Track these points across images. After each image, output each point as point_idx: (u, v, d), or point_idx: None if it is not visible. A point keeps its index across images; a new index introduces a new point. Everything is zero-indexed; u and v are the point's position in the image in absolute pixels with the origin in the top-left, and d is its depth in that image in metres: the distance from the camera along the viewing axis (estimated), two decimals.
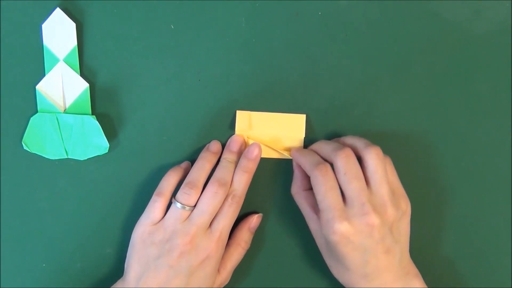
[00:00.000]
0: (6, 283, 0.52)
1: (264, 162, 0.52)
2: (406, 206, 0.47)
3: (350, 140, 0.49)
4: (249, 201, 0.52)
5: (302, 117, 0.52)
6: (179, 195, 0.48)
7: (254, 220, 0.52)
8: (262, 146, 0.52)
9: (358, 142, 0.48)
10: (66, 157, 0.51)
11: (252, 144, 0.51)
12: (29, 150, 0.51)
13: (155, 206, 0.49)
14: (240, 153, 0.51)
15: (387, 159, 0.48)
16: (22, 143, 0.51)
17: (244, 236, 0.51)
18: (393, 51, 0.52)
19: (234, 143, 0.51)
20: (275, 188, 0.52)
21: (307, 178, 0.49)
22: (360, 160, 0.47)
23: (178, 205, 0.48)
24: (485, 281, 0.52)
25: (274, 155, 0.52)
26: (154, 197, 0.49)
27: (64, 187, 0.52)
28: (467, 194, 0.52)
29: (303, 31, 0.52)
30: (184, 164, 0.51)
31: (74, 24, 0.51)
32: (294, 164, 0.51)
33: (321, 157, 0.49)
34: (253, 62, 0.52)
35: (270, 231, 0.53)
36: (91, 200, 0.52)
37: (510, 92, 0.52)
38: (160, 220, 0.48)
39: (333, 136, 0.52)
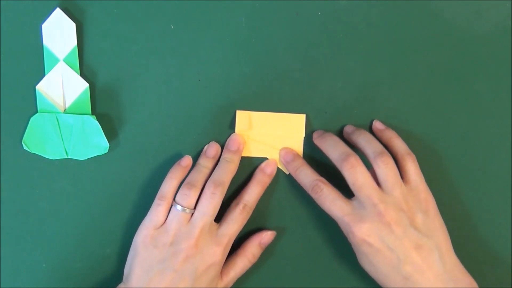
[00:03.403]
0: (6, 283, 0.52)
1: (262, 161, 0.52)
2: (426, 201, 0.47)
3: (362, 142, 0.49)
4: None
5: (302, 117, 0.52)
6: (178, 196, 0.48)
7: (267, 237, 0.51)
8: (262, 146, 0.52)
9: (367, 148, 0.48)
10: (66, 157, 0.51)
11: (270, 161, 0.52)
12: (29, 150, 0.51)
13: (158, 210, 0.48)
14: (239, 152, 0.51)
15: (410, 157, 0.48)
16: (22, 143, 0.51)
17: (254, 249, 0.51)
18: (393, 51, 0.52)
19: (233, 142, 0.51)
20: (275, 188, 0.52)
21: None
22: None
23: (179, 207, 0.48)
24: (485, 281, 0.52)
25: (274, 155, 0.52)
26: (157, 201, 0.49)
27: (64, 187, 0.52)
28: (467, 194, 0.52)
29: (303, 31, 0.52)
30: (185, 162, 0.50)
31: (74, 24, 0.51)
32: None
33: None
34: (253, 62, 0.52)
35: (265, 228, 0.53)
36: (91, 200, 0.52)
37: (510, 92, 0.52)
38: (163, 223, 0.48)
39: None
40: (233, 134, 0.52)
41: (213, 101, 0.52)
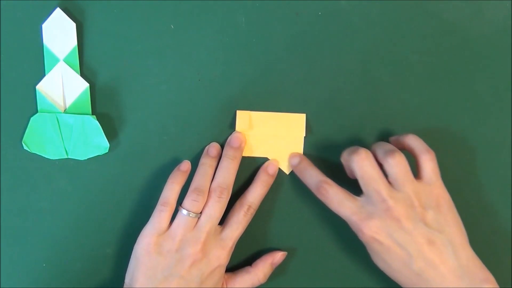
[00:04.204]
0: (6, 283, 0.52)
1: (262, 161, 0.52)
2: (439, 196, 0.46)
3: (372, 147, 0.48)
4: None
5: (302, 117, 0.52)
6: (186, 202, 0.48)
7: (278, 257, 0.51)
8: (262, 146, 0.52)
9: (378, 150, 0.48)
10: (66, 157, 0.51)
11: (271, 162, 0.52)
12: (29, 150, 0.51)
13: (162, 216, 0.48)
14: (241, 150, 0.51)
15: (428, 154, 0.47)
16: (22, 143, 0.51)
17: (265, 269, 0.51)
18: (393, 51, 0.52)
19: (235, 139, 0.51)
20: (275, 188, 0.52)
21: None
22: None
23: (185, 212, 0.47)
24: None
25: (274, 155, 0.52)
26: (159, 207, 0.48)
27: (64, 187, 0.52)
28: (467, 194, 0.52)
29: (303, 31, 0.52)
30: (184, 166, 0.50)
31: (74, 24, 0.51)
32: None
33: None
34: (253, 62, 0.52)
35: (271, 232, 0.53)
36: (91, 200, 0.52)
37: (510, 92, 0.52)
38: (166, 230, 0.48)
39: (333, 135, 0.52)
40: (235, 132, 0.52)
41: (213, 101, 0.52)
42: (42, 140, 0.51)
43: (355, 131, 0.52)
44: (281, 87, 0.52)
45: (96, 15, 0.51)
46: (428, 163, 0.47)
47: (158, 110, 0.52)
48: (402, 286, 0.47)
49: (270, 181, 0.51)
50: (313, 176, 0.49)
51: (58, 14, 0.50)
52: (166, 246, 0.47)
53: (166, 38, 0.52)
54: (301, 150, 0.52)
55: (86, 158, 0.51)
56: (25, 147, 0.51)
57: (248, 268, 0.51)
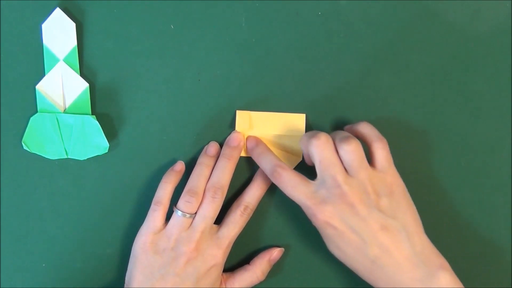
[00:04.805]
0: (6, 283, 0.52)
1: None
2: (392, 184, 0.46)
3: (330, 135, 0.48)
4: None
5: (302, 117, 0.52)
6: (180, 203, 0.48)
7: (276, 253, 0.51)
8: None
9: (334, 136, 0.47)
10: (66, 157, 0.51)
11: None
12: (29, 150, 0.51)
13: (155, 215, 0.48)
14: (239, 149, 0.51)
15: (380, 142, 0.47)
16: (22, 143, 0.51)
17: (263, 266, 0.51)
18: (393, 51, 0.52)
19: (233, 139, 0.51)
20: (273, 187, 0.52)
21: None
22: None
23: (180, 213, 0.48)
24: (485, 281, 0.52)
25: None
26: (153, 206, 0.49)
27: (64, 187, 0.52)
28: (466, 194, 0.52)
29: (303, 31, 0.52)
30: (178, 167, 0.50)
31: (74, 24, 0.51)
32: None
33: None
34: (253, 62, 0.52)
35: (268, 232, 0.53)
36: (91, 200, 0.52)
37: (510, 92, 0.52)
38: (162, 228, 0.48)
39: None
40: (234, 131, 0.52)
41: (213, 101, 0.52)
42: (42, 140, 0.51)
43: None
44: (281, 87, 0.52)
45: (96, 15, 0.51)
46: (381, 151, 0.47)
47: (158, 110, 0.52)
48: (359, 274, 0.46)
49: (269, 182, 0.51)
50: (268, 161, 0.49)
51: (58, 14, 0.50)
52: (162, 245, 0.47)
53: (166, 38, 0.52)
54: (300, 150, 0.52)
55: (86, 158, 0.51)
56: (25, 147, 0.51)
57: (246, 266, 0.51)
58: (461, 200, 0.52)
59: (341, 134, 0.47)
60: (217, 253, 0.48)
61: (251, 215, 0.50)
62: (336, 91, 0.52)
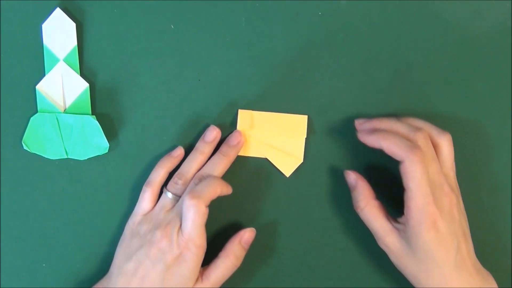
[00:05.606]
0: (6, 283, 0.52)
1: (262, 162, 0.52)
2: (457, 189, 0.48)
3: (418, 123, 0.48)
4: (246, 201, 0.52)
5: (304, 118, 0.52)
6: (169, 184, 0.49)
7: (247, 234, 0.49)
8: (263, 146, 0.52)
9: (430, 128, 0.48)
10: (66, 157, 0.51)
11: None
12: (29, 150, 0.51)
13: (144, 197, 0.49)
14: (237, 148, 0.51)
15: (446, 137, 0.48)
16: (22, 143, 0.51)
17: (234, 249, 0.48)
18: (393, 51, 0.52)
19: (234, 138, 0.51)
20: (272, 188, 0.52)
21: (370, 187, 0.48)
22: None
23: (169, 194, 0.49)
24: None
25: (274, 156, 0.52)
26: (143, 188, 0.50)
27: (64, 187, 0.52)
28: (466, 194, 0.52)
29: (303, 31, 0.52)
30: (176, 152, 0.51)
31: (74, 24, 0.51)
32: (353, 177, 0.49)
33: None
34: (253, 62, 0.52)
35: (263, 231, 0.53)
36: (91, 200, 0.52)
37: (510, 92, 0.52)
38: (150, 210, 0.49)
39: (333, 135, 0.52)
40: (236, 130, 0.52)
41: (213, 101, 0.52)
42: (42, 140, 0.51)
43: (355, 130, 0.52)
44: (281, 87, 0.52)
45: (96, 15, 0.51)
46: (449, 147, 0.47)
47: (158, 110, 0.52)
48: (426, 284, 0.45)
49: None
50: (404, 140, 0.46)
51: (58, 14, 0.50)
52: (144, 227, 0.48)
53: (166, 38, 0.52)
54: (302, 152, 0.52)
55: (86, 158, 0.51)
56: (25, 147, 0.51)
57: (218, 254, 0.49)
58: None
59: (430, 127, 0.47)
60: (180, 243, 0.46)
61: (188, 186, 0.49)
62: (335, 91, 0.52)
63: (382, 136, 0.46)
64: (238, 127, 0.52)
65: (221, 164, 0.50)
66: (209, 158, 0.50)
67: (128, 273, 0.47)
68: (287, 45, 0.52)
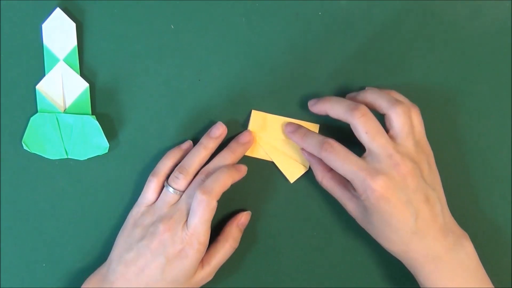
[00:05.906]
0: (6, 283, 0.52)
1: (268, 164, 0.52)
2: (429, 153, 0.47)
3: (370, 96, 0.48)
4: (249, 201, 0.52)
5: (316, 126, 0.52)
6: (170, 178, 0.49)
7: (243, 217, 0.51)
8: (270, 149, 0.52)
9: (380, 101, 0.47)
10: (66, 157, 0.51)
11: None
12: (29, 150, 0.51)
13: (149, 187, 0.49)
14: (246, 147, 0.51)
15: (414, 110, 0.47)
16: (22, 143, 0.51)
17: (233, 232, 0.50)
18: (393, 51, 0.52)
19: (244, 136, 0.51)
20: (275, 191, 0.52)
21: (323, 162, 0.48)
22: (378, 115, 0.46)
23: (170, 189, 0.48)
24: None
25: (281, 160, 0.52)
26: (149, 177, 0.50)
27: (64, 187, 0.52)
28: (466, 194, 0.52)
29: (303, 31, 0.52)
30: (185, 145, 0.51)
31: (74, 24, 0.51)
32: (307, 153, 0.50)
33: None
34: (253, 62, 0.52)
35: (263, 231, 0.53)
36: (91, 200, 0.52)
37: (510, 92, 0.52)
38: (154, 201, 0.49)
39: (333, 131, 0.52)
40: (247, 130, 0.51)
41: (213, 101, 0.52)
42: (42, 140, 0.51)
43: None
44: (281, 87, 0.52)
45: (96, 15, 0.51)
46: (418, 118, 0.47)
47: (158, 110, 0.52)
48: (397, 251, 0.46)
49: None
50: (315, 138, 0.48)
51: (58, 14, 0.50)
52: (147, 218, 0.48)
53: (166, 38, 0.52)
54: (307, 162, 0.51)
55: (86, 158, 0.51)
56: (25, 147, 0.51)
57: (217, 238, 0.50)
58: (461, 200, 0.52)
59: (386, 97, 0.47)
60: (184, 238, 0.47)
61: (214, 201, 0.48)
62: (336, 91, 0.52)
63: (326, 100, 0.48)
64: (250, 127, 0.52)
65: (228, 160, 0.50)
66: (209, 158, 0.50)
67: (128, 262, 0.47)
68: (287, 45, 0.52)
